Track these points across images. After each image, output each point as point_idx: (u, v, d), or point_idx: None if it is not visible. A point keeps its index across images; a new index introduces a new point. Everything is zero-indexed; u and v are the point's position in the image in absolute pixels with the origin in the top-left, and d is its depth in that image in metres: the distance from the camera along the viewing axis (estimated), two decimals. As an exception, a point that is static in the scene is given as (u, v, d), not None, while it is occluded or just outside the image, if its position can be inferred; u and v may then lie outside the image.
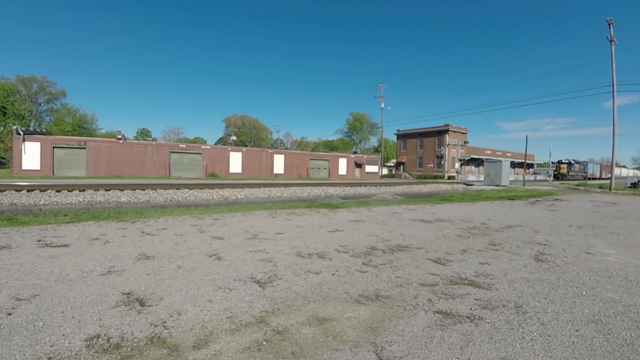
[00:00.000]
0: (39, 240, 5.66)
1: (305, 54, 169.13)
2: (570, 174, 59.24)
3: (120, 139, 35.84)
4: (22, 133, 30.69)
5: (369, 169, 55.60)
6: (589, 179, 62.83)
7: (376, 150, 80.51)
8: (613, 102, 26.35)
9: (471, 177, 53.97)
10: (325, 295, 3.54)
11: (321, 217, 9.20)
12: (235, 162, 42.32)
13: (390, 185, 30.55)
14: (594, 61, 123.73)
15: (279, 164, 46.07)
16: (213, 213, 9.72)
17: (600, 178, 68.87)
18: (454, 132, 58.09)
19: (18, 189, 15.84)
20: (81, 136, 46.20)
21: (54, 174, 31.57)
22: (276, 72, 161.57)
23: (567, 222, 9.41)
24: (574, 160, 62.01)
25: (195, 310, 3.07)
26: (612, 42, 25.83)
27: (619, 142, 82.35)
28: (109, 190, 17.45)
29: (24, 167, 30.71)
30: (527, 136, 45.19)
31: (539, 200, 16.54)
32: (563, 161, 60.78)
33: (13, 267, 4.21)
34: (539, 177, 66.83)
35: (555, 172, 60.36)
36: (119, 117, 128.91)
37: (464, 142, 59.65)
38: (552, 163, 61.48)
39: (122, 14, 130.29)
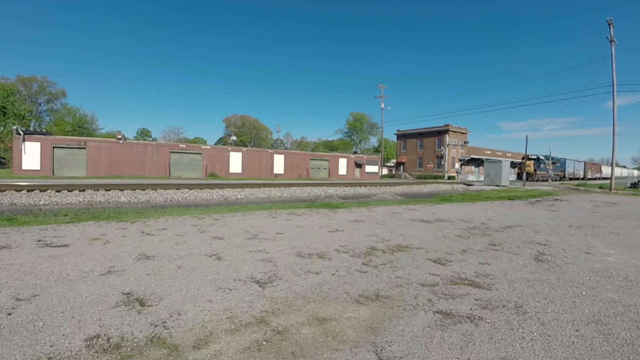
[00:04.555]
0: (39, 240, 5.66)
1: (305, 54, 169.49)
2: (539, 173, 46.48)
3: (120, 139, 35.83)
4: (22, 133, 30.69)
5: (369, 169, 55.60)
6: (571, 179, 53.76)
7: (376, 150, 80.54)
8: (613, 102, 26.37)
9: (471, 177, 53.95)
10: (325, 295, 3.54)
11: (321, 217, 9.20)
12: (235, 162, 42.31)
13: (390, 185, 30.54)
14: (594, 61, 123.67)
15: (279, 164, 46.05)
16: (213, 213, 9.71)
17: (584, 178, 58.85)
18: (454, 132, 58.08)
19: (18, 189, 15.83)
20: (81, 136, 46.22)
21: (54, 174, 31.56)
22: (276, 72, 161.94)
23: (567, 222, 9.41)
24: (544, 156, 48.58)
25: (195, 311, 3.07)
26: (612, 42, 25.83)
27: (619, 142, 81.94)
28: (109, 190, 17.44)
29: (24, 167, 30.71)
30: (527, 136, 45.04)
31: (539, 200, 16.54)
32: (530, 157, 45.68)
33: (13, 267, 4.21)
34: None
35: (520, 172, 45.61)
36: (119, 117, 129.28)
37: (464, 142, 59.60)
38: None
39: (122, 14, 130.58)
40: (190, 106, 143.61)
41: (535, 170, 45.99)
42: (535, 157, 46.83)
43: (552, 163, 50.18)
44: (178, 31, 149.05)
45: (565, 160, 54.73)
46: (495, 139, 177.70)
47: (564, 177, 53.01)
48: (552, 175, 50.22)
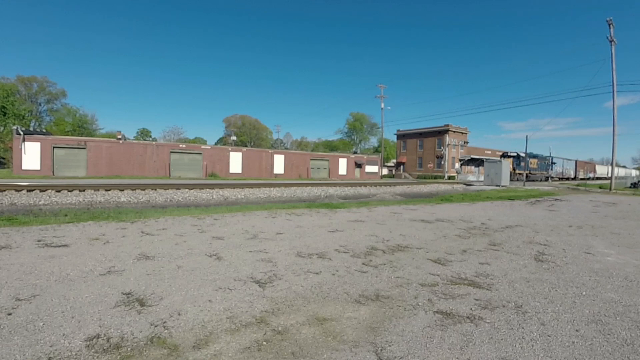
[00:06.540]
0: (39, 240, 5.66)
1: (306, 54, 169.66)
2: (518, 172, 40.61)
3: (120, 139, 35.84)
4: (22, 133, 30.70)
5: (369, 169, 55.62)
6: (560, 178, 50.43)
7: (376, 150, 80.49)
8: (613, 102, 26.37)
9: (471, 177, 53.80)
10: (325, 295, 3.54)
11: (321, 217, 9.20)
12: (235, 162, 42.31)
13: (390, 185, 30.53)
14: (594, 61, 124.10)
15: (279, 164, 46.07)
16: (213, 213, 9.71)
17: (575, 178, 55.17)
18: (454, 132, 58.12)
19: (18, 189, 15.83)
20: (81, 136, 46.19)
21: (54, 174, 31.56)
22: (276, 72, 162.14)
23: (567, 222, 9.41)
24: (525, 153, 41.01)
25: (195, 311, 3.07)
26: (612, 42, 25.83)
27: (619, 142, 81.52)
28: (109, 190, 17.44)
29: (24, 167, 30.71)
30: (527, 136, 44.90)
31: (538, 201, 16.53)
32: (509, 154, 42.10)
33: (13, 267, 4.21)
34: None
35: None
36: (119, 117, 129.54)
37: (464, 142, 59.63)
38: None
39: (122, 14, 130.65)
40: (190, 106, 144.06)
41: (514, 169, 40.54)
42: (514, 154, 41.92)
43: (537, 161, 45.14)
44: (178, 31, 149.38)
45: (552, 158, 48.79)
46: (496, 139, 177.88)
47: (551, 176, 48.48)
48: (549, 174, 46.97)
